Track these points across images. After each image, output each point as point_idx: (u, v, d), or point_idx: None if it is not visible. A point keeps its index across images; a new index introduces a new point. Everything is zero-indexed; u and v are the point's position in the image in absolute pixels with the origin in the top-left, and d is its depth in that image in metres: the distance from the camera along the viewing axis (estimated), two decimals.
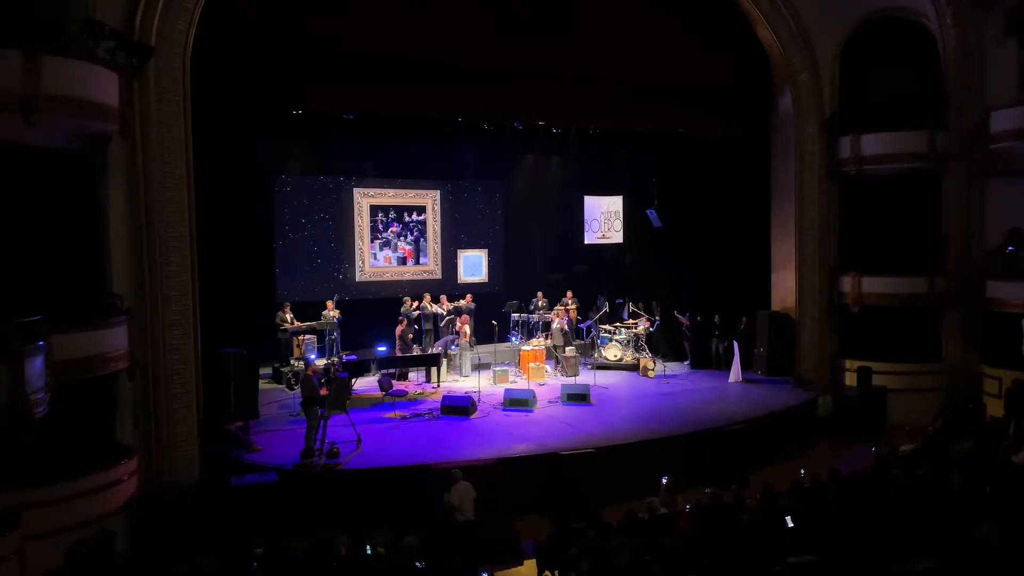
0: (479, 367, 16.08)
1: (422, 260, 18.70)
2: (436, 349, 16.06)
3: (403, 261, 18.48)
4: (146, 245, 10.90)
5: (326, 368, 12.61)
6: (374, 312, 17.45)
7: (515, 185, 19.52)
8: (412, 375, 16.12)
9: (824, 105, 16.49)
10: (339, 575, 7.45)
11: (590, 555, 7.19)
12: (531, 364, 16.03)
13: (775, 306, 17.21)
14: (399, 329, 15.86)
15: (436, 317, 16.99)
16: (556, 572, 8.36)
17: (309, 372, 11.71)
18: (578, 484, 11.12)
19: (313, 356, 15.69)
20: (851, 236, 16.79)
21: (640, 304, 18.42)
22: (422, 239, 18.63)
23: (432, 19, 13.50)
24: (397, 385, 14.82)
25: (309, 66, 13.09)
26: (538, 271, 19.75)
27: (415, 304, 16.80)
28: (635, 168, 19.16)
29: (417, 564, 7.45)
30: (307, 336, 16.00)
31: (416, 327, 16.58)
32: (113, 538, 8.71)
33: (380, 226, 18.13)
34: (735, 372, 16.27)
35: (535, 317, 17.95)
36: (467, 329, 16.41)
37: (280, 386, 15.33)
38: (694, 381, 16.39)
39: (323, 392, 11.62)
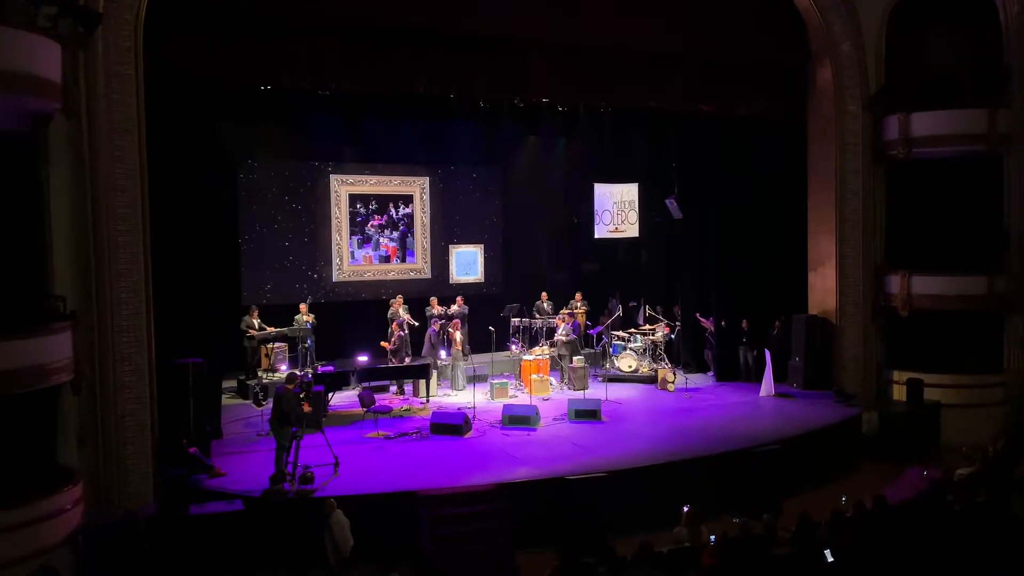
0: (474, 380, 16.06)
1: (408, 258, 18.71)
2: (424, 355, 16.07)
3: (386, 260, 18.48)
4: (93, 240, 10.88)
5: (299, 380, 12.58)
6: (354, 317, 17.45)
7: (515, 171, 19.53)
8: (392, 387, 16.17)
9: (869, 80, 16.48)
10: None
11: None
12: (533, 376, 16.03)
13: (812, 309, 17.21)
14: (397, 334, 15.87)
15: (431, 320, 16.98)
16: None
17: (289, 386, 11.62)
18: (588, 513, 11.12)
19: (284, 367, 15.69)
20: (899, 229, 16.80)
21: (658, 307, 18.42)
22: (408, 234, 18.63)
23: None
24: (380, 400, 14.81)
25: (280, 35, 13.07)
26: (542, 269, 19.76)
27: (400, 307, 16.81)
28: (653, 152, 19.15)
29: None
30: (277, 344, 16.00)
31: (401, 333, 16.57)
32: (56, 575, 8.71)
33: (361, 218, 18.13)
34: (767, 385, 16.27)
35: (538, 322, 17.95)
36: (458, 336, 16.40)
37: (246, 401, 15.29)
38: (720, 395, 16.40)
39: (306, 408, 11.56)
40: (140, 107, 11.28)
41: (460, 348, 16.52)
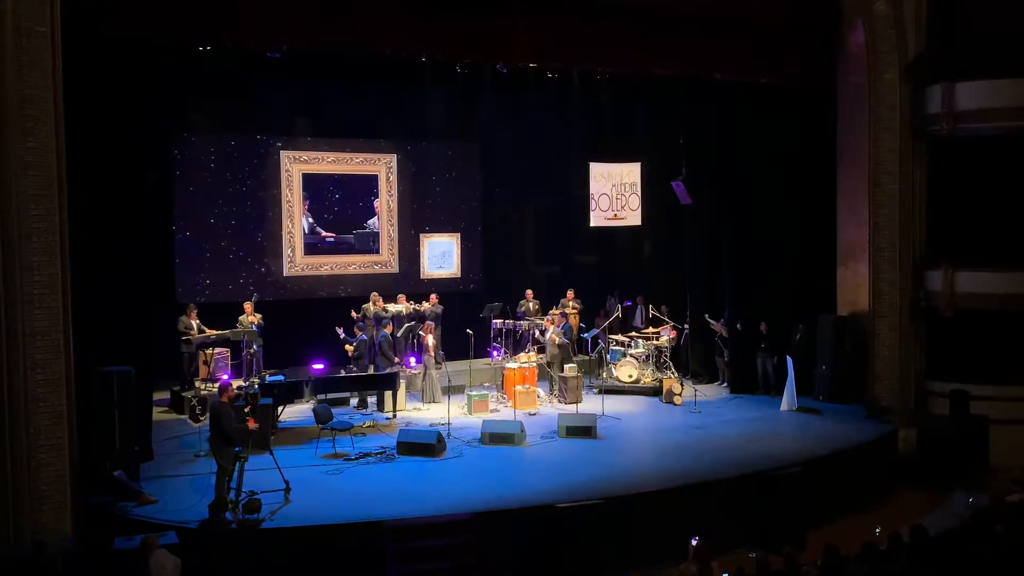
0: (449, 391, 16.08)
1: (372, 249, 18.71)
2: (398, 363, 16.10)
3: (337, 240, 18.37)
4: (0, 227, 10.82)
5: (244, 393, 12.56)
6: (308, 317, 17.41)
7: (497, 148, 19.53)
8: (353, 400, 16.21)
9: (908, 44, 16.57)
10: None
11: None
12: (518, 387, 16.06)
13: (841, 310, 17.33)
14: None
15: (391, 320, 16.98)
16: None
17: (224, 398, 11.58)
18: (581, 546, 11.15)
19: (226, 376, 15.64)
20: (943, 217, 16.90)
21: (663, 307, 18.48)
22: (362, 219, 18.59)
23: None
24: (339, 415, 14.80)
25: None
26: (528, 263, 19.78)
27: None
28: (658, 127, 19.21)
29: None
30: (218, 349, 15.95)
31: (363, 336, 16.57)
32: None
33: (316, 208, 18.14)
34: (788, 398, 16.38)
35: (524, 324, 17.97)
36: (430, 340, 16.40)
37: (181, 416, 15.31)
38: (734, 409, 16.52)
39: (251, 425, 11.54)
40: (56, 72, 11.20)
41: (433, 354, 16.52)
